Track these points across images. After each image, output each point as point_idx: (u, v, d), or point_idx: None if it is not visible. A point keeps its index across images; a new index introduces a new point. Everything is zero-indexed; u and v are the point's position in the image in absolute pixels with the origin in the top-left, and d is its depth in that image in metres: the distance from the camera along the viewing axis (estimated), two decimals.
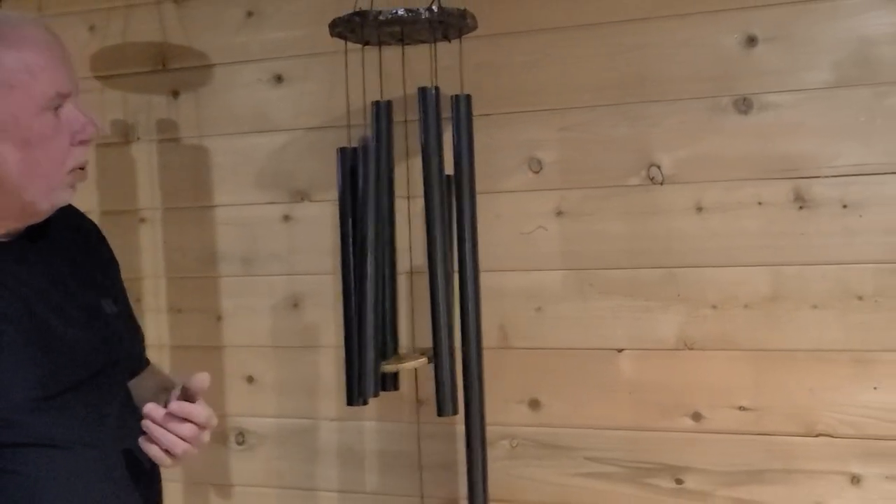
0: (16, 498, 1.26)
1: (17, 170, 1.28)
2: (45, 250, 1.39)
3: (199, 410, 1.32)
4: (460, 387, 1.78)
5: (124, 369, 1.47)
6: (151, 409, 1.30)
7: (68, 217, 1.47)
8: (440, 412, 1.73)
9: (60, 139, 1.31)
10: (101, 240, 1.57)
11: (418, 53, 1.84)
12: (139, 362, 1.57)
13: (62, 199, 1.35)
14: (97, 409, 1.37)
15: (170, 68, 2.25)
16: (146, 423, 1.30)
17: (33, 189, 1.30)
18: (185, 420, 1.31)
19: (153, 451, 1.31)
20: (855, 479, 1.80)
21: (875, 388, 1.78)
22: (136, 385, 1.52)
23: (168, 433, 1.30)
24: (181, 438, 1.31)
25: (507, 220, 1.99)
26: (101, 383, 1.38)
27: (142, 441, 1.31)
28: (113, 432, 1.37)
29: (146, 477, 1.43)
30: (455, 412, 1.74)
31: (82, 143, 1.34)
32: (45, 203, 1.33)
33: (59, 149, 1.31)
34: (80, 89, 1.37)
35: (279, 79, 2.16)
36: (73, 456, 1.31)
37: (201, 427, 1.33)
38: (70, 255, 1.44)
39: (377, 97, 1.79)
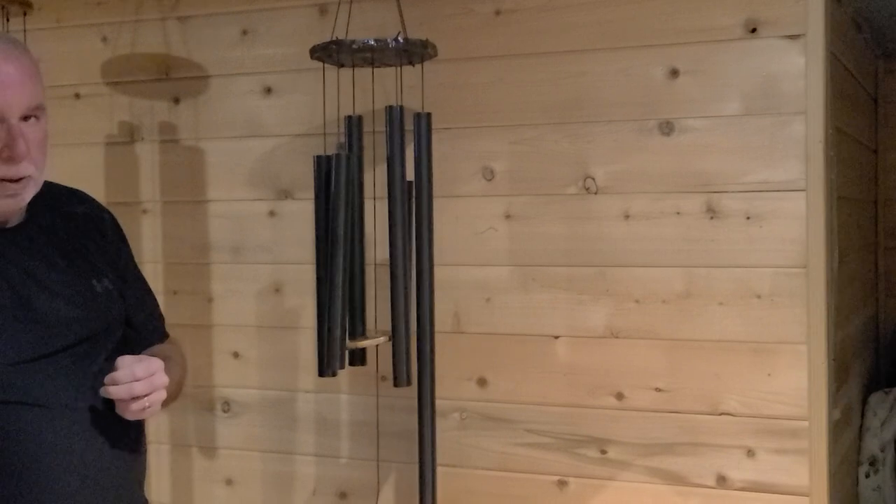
0: None
1: None
2: (42, 236, 1.51)
3: (137, 369, 1.42)
4: (415, 363, 2.02)
5: (112, 340, 1.54)
6: (107, 379, 1.42)
7: (81, 207, 1.60)
8: (396, 383, 1.97)
9: None
10: (115, 227, 1.67)
11: (387, 75, 2.06)
12: (152, 336, 1.68)
13: (5, 205, 1.43)
14: (77, 373, 1.45)
15: (172, 78, 2.44)
16: (108, 391, 1.41)
17: None
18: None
19: (119, 410, 1.44)
20: (750, 452, 2.01)
21: (769, 375, 1.99)
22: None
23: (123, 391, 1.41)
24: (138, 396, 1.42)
25: (463, 221, 2.21)
26: (83, 351, 1.47)
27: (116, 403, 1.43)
28: (91, 395, 1.44)
29: (126, 436, 1.51)
30: (409, 384, 1.98)
31: (7, 159, 1.39)
32: None
33: None
34: (37, 104, 1.42)
35: (269, 90, 2.36)
36: (49, 414, 1.39)
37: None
38: (68, 239, 1.55)
39: (350, 112, 2.03)
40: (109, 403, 1.44)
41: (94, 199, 1.67)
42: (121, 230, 1.69)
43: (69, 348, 1.46)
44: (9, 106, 1.38)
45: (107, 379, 1.42)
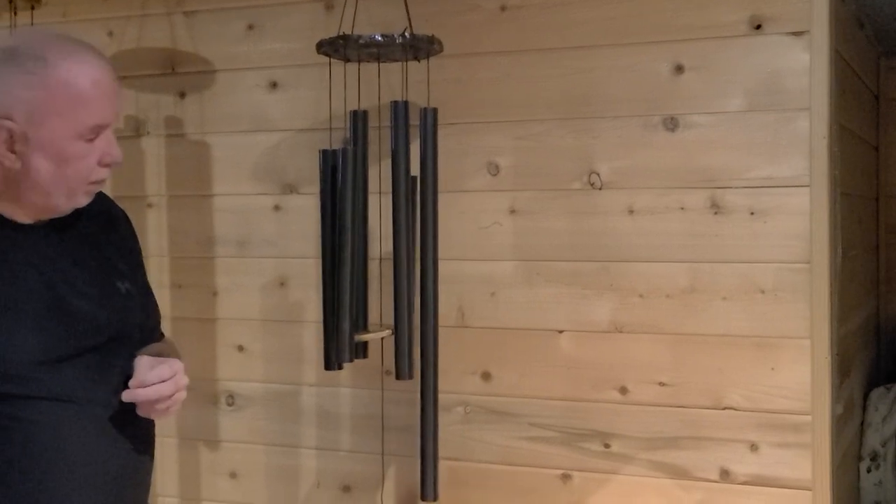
0: (20, 440, 1.41)
1: (49, 180, 1.43)
2: (71, 235, 1.53)
3: (163, 370, 1.49)
4: (418, 357, 2.03)
5: (132, 341, 1.57)
6: (133, 382, 1.49)
7: (101, 205, 1.61)
8: (398, 376, 1.98)
9: (90, 159, 1.46)
10: (129, 227, 1.70)
11: (392, 70, 2.08)
12: (151, 334, 1.67)
13: (80, 203, 1.50)
14: (102, 371, 1.49)
15: (178, 72, 2.45)
16: (136, 394, 1.47)
17: (58, 195, 1.45)
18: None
19: (142, 411, 1.51)
20: (753, 447, 2.03)
21: (772, 369, 2.01)
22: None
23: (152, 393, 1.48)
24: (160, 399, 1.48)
25: (468, 216, 2.22)
26: (107, 350, 1.51)
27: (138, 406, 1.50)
28: (113, 392, 1.49)
29: (141, 432, 1.56)
30: (411, 377, 1.99)
31: (107, 165, 1.48)
32: (65, 206, 1.48)
33: (86, 167, 1.46)
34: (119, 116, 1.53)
35: (274, 85, 2.37)
36: (75, 409, 1.44)
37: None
38: (95, 239, 1.57)
39: (356, 107, 2.04)
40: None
41: (109, 197, 1.68)
42: (133, 230, 1.72)
43: (97, 348, 1.50)
44: (114, 115, 1.47)
45: (133, 382, 1.47)
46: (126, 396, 1.47)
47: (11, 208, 1.47)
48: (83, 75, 1.42)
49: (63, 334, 1.46)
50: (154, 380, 1.47)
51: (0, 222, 1.46)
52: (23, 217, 1.48)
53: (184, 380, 1.52)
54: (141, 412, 1.51)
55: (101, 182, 1.50)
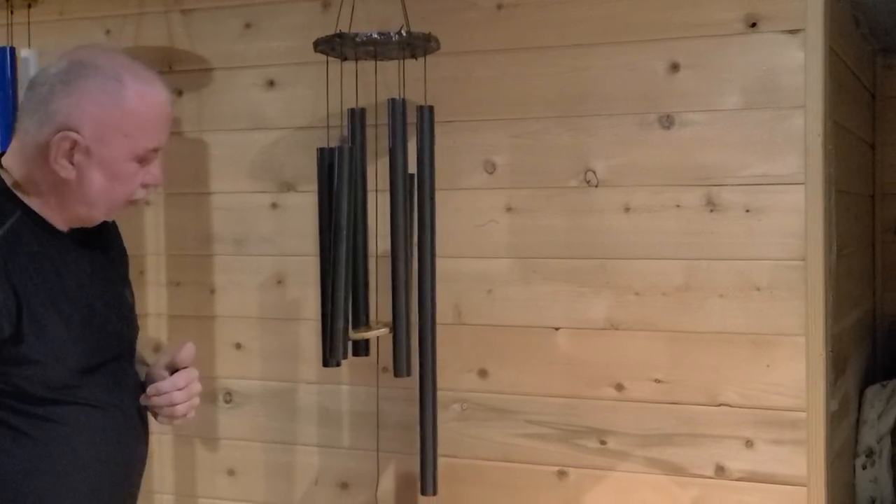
0: (62, 444, 1.49)
1: (97, 194, 1.49)
2: (93, 245, 1.60)
3: (178, 379, 1.61)
4: (416, 354, 2.04)
5: (134, 347, 1.68)
6: (150, 390, 1.60)
7: None
8: (396, 373, 1.99)
9: (136, 179, 1.53)
10: (118, 234, 1.74)
11: (389, 68, 2.08)
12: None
13: (111, 217, 1.61)
14: (121, 378, 1.59)
15: (175, 70, 2.45)
16: (152, 400, 1.60)
17: (101, 207, 1.53)
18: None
19: (163, 418, 1.63)
20: (748, 443, 2.04)
21: (768, 366, 2.02)
22: None
23: (165, 400, 1.60)
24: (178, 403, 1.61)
25: (464, 213, 2.23)
26: (124, 358, 1.61)
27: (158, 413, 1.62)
28: (130, 397, 1.60)
29: (145, 431, 1.66)
30: (408, 374, 2.00)
31: (147, 185, 1.55)
32: (101, 218, 1.56)
33: (132, 187, 1.53)
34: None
35: (271, 83, 2.38)
36: (104, 413, 1.54)
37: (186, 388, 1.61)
38: (105, 248, 1.64)
39: (353, 105, 2.04)
40: (139, 404, 1.62)
41: None
42: (121, 238, 1.76)
43: (119, 357, 1.59)
44: (167, 139, 1.55)
45: (150, 389, 1.59)
46: (143, 400, 1.60)
47: (52, 212, 1.52)
48: (153, 101, 1.49)
49: (97, 344, 1.54)
50: (168, 388, 1.58)
51: (43, 226, 1.51)
52: (60, 223, 1.53)
53: (196, 387, 1.63)
54: (161, 419, 1.63)
55: (138, 202, 1.57)
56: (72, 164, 1.46)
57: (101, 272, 1.60)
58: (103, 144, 1.46)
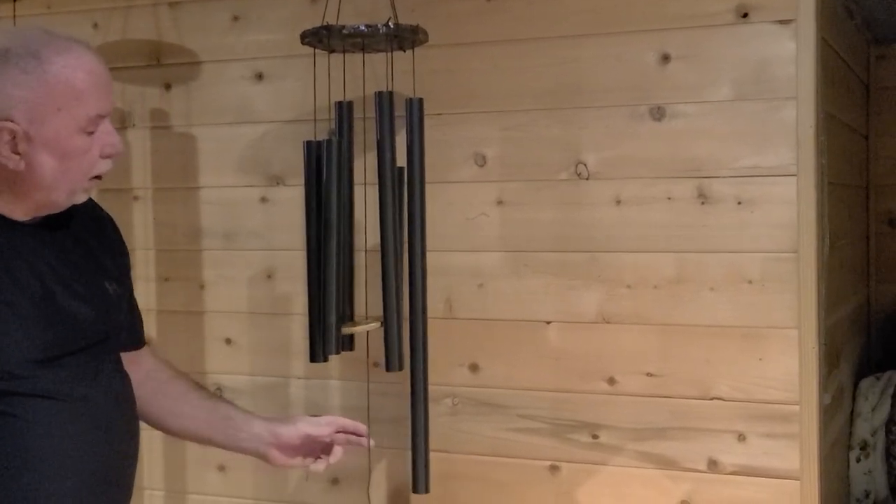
0: (15, 438, 1.43)
1: (52, 175, 1.44)
2: (62, 234, 1.54)
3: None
4: (407, 349, 2.02)
5: (119, 341, 1.62)
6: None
7: (88, 208, 1.62)
8: (388, 368, 1.97)
9: (92, 153, 1.47)
10: (115, 230, 1.72)
11: (378, 61, 2.06)
12: (135, 341, 1.74)
13: (79, 199, 1.52)
14: (91, 370, 1.52)
15: (163, 64, 2.44)
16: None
17: (59, 191, 1.47)
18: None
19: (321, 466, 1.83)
20: (741, 437, 2.03)
21: (760, 360, 2.01)
22: (176, 395, 1.80)
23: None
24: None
25: (455, 207, 2.21)
26: (97, 350, 1.54)
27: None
28: (103, 391, 1.53)
29: (130, 427, 1.61)
30: (401, 368, 1.98)
31: (108, 156, 1.50)
32: (65, 202, 1.50)
33: (89, 161, 1.47)
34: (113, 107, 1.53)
35: (260, 76, 2.36)
36: (66, 406, 1.46)
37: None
38: (84, 240, 1.59)
39: (341, 98, 2.03)
40: (117, 398, 1.57)
41: (94, 201, 1.69)
42: (122, 236, 1.74)
43: (87, 348, 1.53)
44: (111, 104, 1.50)
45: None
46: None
47: (9, 205, 1.48)
48: (78, 68, 1.43)
49: (58, 333, 1.48)
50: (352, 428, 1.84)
51: None
52: (19, 214, 1.49)
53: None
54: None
55: (102, 176, 1.52)
56: (18, 154, 1.42)
57: (72, 262, 1.55)
58: (41, 125, 1.41)
